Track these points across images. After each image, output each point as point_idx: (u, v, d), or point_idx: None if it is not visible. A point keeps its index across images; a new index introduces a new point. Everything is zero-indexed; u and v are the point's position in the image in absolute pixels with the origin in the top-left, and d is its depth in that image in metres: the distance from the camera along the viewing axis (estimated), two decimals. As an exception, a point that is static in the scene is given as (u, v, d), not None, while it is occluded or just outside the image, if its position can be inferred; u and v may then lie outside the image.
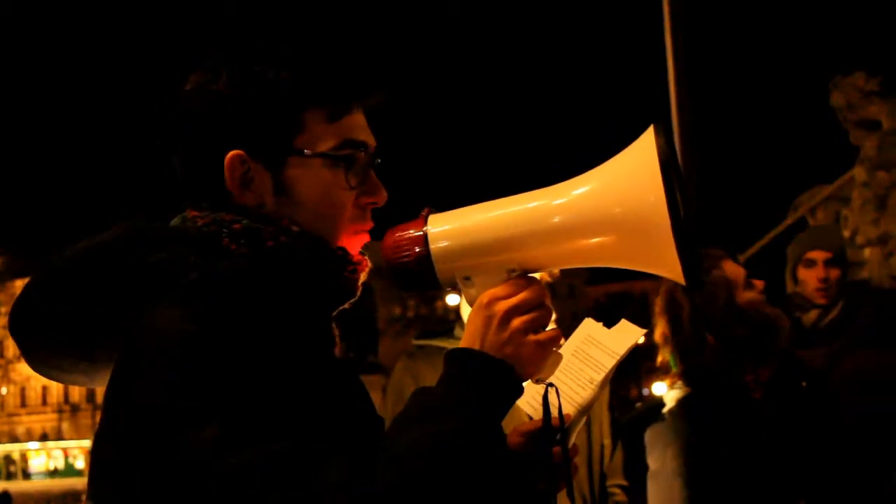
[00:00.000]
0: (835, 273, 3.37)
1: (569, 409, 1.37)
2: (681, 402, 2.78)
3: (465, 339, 1.16)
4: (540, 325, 1.16)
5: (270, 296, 1.13)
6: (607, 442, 2.81)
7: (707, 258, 2.77)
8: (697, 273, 1.13)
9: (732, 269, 2.77)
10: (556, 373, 1.39)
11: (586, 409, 1.39)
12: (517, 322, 1.14)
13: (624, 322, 1.43)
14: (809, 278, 3.38)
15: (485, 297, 1.16)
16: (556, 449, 1.31)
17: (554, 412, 1.27)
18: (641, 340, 1.44)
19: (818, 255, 3.37)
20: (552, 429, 1.27)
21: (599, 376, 1.39)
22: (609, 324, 1.44)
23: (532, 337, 1.15)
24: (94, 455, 1.13)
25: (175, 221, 1.26)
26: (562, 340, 1.21)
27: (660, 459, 2.78)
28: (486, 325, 1.14)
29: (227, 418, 1.00)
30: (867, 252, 7.51)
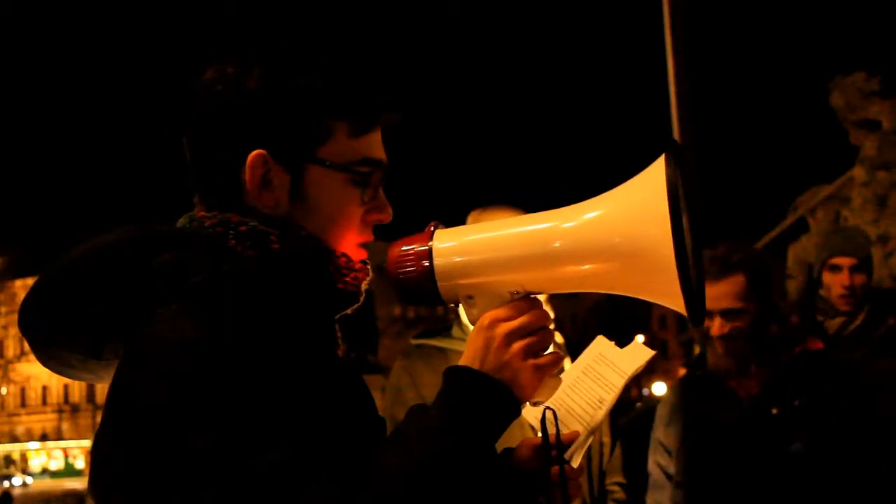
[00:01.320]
0: (860, 279, 3.29)
1: (578, 428, 1.37)
2: (671, 395, 2.82)
3: (465, 358, 1.16)
4: (540, 349, 1.16)
5: (276, 299, 1.14)
6: (606, 440, 2.82)
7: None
8: (702, 306, 1.12)
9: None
10: (567, 390, 1.39)
11: (594, 430, 1.38)
12: (517, 345, 1.14)
13: (636, 343, 1.43)
14: (834, 284, 3.29)
15: (486, 318, 1.16)
16: (556, 469, 1.30)
17: (551, 434, 1.27)
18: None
19: (844, 262, 3.28)
20: (550, 450, 1.28)
21: (609, 396, 1.38)
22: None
23: (531, 361, 1.15)
24: (95, 455, 1.14)
25: (182, 221, 1.27)
26: (566, 362, 1.21)
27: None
28: (485, 347, 1.14)
29: (227, 424, 1.00)
30: (867, 252, 7.51)
